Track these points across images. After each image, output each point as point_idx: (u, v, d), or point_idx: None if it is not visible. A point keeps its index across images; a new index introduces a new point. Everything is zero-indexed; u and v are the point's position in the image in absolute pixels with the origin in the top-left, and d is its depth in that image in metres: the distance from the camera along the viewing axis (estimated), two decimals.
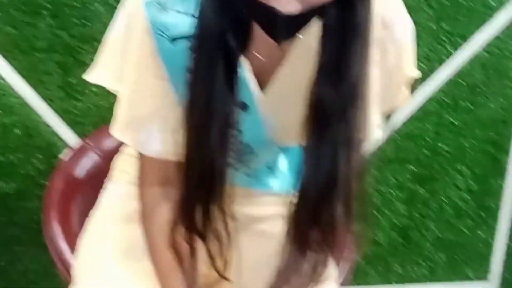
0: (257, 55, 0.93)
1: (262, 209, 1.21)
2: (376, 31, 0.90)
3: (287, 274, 0.99)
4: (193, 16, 0.88)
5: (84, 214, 1.25)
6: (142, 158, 1.05)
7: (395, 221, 2.05)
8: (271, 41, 0.83)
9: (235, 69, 0.89)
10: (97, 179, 1.32)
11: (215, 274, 1.04)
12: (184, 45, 0.90)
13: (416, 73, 1.05)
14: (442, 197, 2.06)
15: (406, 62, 1.01)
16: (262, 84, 0.97)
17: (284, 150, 1.14)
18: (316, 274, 0.99)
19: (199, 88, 0.88)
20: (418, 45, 1.03)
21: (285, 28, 0.80)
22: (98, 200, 1.25)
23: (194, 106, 0.89)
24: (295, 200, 0.97)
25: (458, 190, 2.07)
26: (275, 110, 0.99)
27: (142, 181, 1.07)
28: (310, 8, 0.78)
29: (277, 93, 0.97)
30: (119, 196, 1.22)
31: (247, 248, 1.14)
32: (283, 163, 1.22)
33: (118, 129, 1.01)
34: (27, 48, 1.59)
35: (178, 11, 0.90)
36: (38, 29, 1.57)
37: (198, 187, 0.93)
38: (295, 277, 0.99)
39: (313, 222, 0.95)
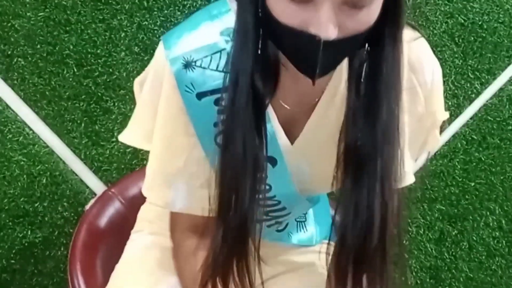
0: (284, 105, 0.92)
1: (290, 261, 1.18)
2: (404, 75, 0.87)
3: None
4: (221, 71, 0.87)
5: (109, 264, 1.23)
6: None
7: (425, 262, 2.01)
8: (299, 89, 0.81)
9: (264, 121, 0.87)
10: (121, 228, 1.30)
11: None
12: (210, 100, 0.89)
13: (446, 116, 1.01)
14: (473, 236, 2.02)
15: (437, 106, 0.98)
16: (290, 135, 0.95)
17: (314, 203, 1.12)
18: None
19: (231, 143, 0.86)
20: (444, 82, 1.00)
21: (320, 63, 0.77)
22: (124, 251, 1.23)
23: (227, 161, 0.87)
24: (334, 248, 0.94)
25: (489, 228, 2.03)
26: (304, 160, 0.97)
27: (172, 228, 1.07)
28: (347, 36, 0.76)
29: (306, 144, 0.96)
30: (142, 248, 1.20)
31: None
32: (310, 215, 1.20)
33: (148, 188, 1.01)
34: (52, 97, 1.60)
35: (204, 68, 0.89)
36: (64, 78, 1.59)
37: (229, 243, 0.91)
38: None
39: (354, 266, 0.92)
